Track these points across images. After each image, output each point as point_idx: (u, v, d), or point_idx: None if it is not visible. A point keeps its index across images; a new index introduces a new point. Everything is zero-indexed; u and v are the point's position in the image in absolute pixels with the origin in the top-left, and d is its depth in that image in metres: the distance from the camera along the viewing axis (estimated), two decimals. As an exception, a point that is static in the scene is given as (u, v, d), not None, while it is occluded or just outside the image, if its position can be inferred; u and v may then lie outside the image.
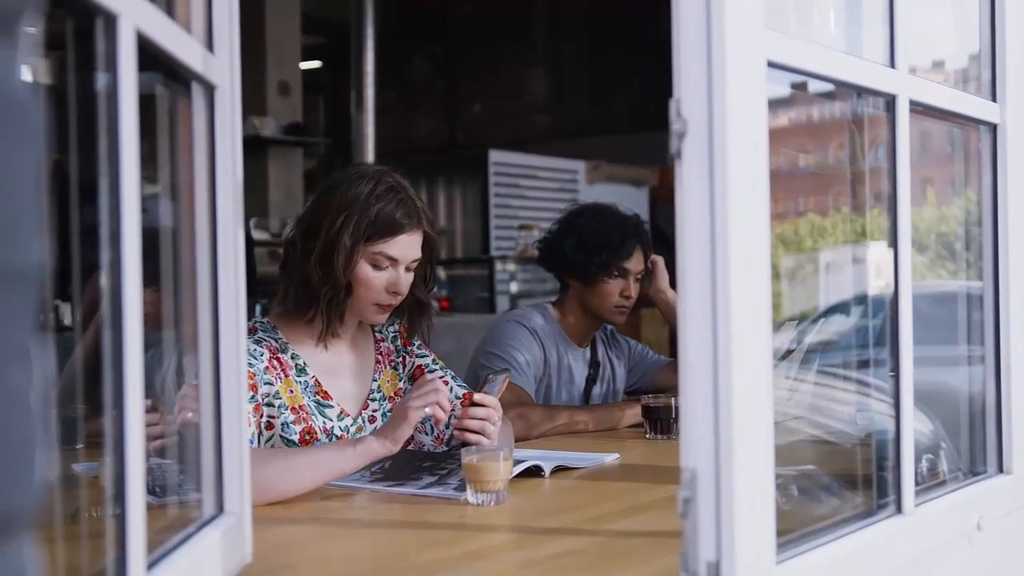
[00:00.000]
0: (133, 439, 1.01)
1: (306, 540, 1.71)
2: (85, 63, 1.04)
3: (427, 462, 2.13)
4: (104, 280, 1.02)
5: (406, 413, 1.96)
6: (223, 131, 1.37)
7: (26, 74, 0.61)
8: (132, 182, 1.02)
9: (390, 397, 2.35)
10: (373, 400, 2.32)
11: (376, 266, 2.18)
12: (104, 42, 1.00)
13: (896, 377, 1.52)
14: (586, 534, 1.68)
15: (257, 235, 6.73)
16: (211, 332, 1.37)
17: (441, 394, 1.99)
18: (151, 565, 1.10)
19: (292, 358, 2.22)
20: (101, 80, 1.02)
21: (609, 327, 3.19)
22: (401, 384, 2.37)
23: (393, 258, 2.19)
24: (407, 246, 2.20)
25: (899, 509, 1.51)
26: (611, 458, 2.34)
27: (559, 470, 2.17)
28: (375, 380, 2.34)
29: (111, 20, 0.99)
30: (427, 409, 1.97)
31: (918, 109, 1.58)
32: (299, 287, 2.20)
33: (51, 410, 0.62)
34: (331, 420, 2.21)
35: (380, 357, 2.37)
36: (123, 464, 1.01)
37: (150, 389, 1.07)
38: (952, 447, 1.89)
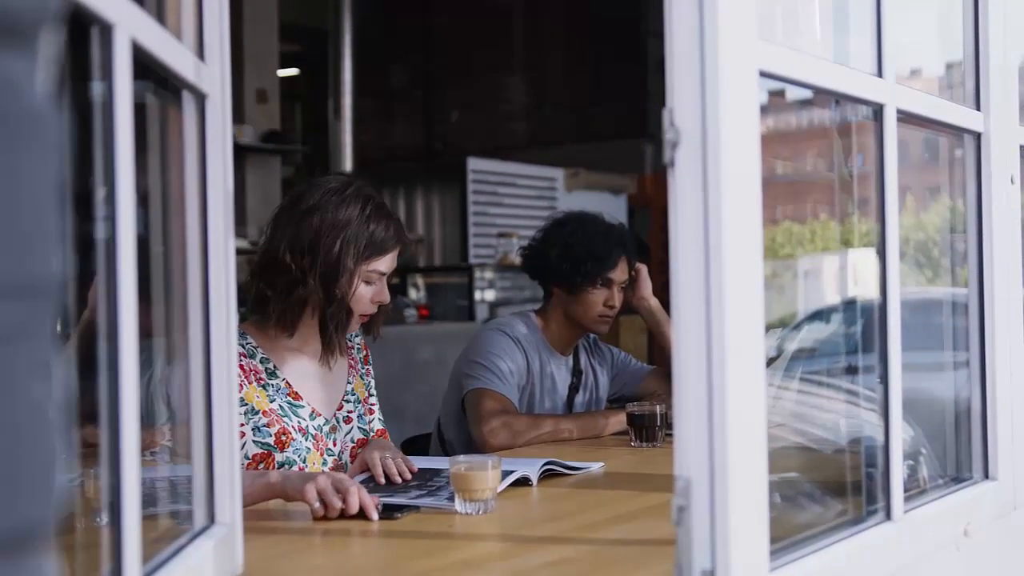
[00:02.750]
0: (128, 451, 1.01)
1: (297, 551, 1.70)
2: (78, 72, 1.03)
3: (415, 480, 2.12)
4: (99, 289, 1.01)
5: (304, 492, 1.84)
6: (214, 140, 1.36)
7: (45, 86, 0.61)
8: (127, 191, 1.01)
9: (363, 400, 2.44)
10: (348, 401, 2.40)
11: (368, 282, 2.27)
12: (99, 51, 0.99)
13: (884, 384, 1.53)
14: (577, 542, 1.68)
15: (235, 243, 6.69)
16: (202, 344, 1.36)
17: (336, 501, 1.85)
18: (145, 577, 1.09)
19: (262, 362, 2.26)
20: (95, 89, 1.01)
21: (592, 335, 3.19)
22: (366, 392, 2.47)
23: (383, 272, 2.29)
24: (393, 259, 2.31)
25: (888, 516, 1.52)
26: (597, 466, 2.34)
27: (548, 476, 2.17)
28: (349, 383, 2.41)
29: (107, 30, 0.99)
30: (316, 505, 1.82)
31: (904, 118, 1.59)
32: (296, 307, 2.24)
33: (69, 423, 0.62)
34: (304, 419, 2.26)
35: (352, 362, 2.45)
36: (119, 476, 1.00)
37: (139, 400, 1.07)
38: (931, 453, 1.90)
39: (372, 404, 2.50)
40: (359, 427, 2.40)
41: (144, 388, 1.45)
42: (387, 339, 2.55)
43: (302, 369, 2.32)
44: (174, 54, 1.20)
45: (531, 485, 2.11)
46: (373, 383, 2.52)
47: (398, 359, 5.52)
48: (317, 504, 1.82)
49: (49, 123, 0.60)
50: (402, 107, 10.31)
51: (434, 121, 10.14)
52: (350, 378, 2.42)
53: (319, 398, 2.33)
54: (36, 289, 0.58)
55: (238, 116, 7.28)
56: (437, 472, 2.18)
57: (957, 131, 1.84)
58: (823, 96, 1.60)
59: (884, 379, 1.53)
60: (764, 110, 1.51)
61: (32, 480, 0.57)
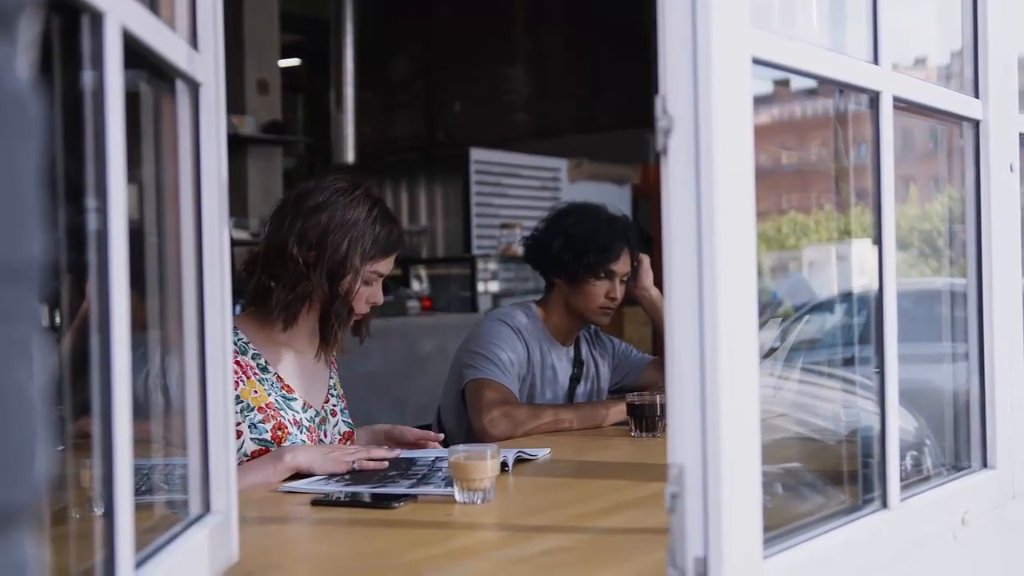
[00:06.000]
0: (121, 440, 1.01)
1: (293, 540, 1.71)
2: (69, 60, 1.03)
3: (392, 471, 2.12)
4: (89, 281, 1.01)
5: (337, 462, 2.11)
6: (208, 129, 1.36)
7: (25, 70, 0.61)
8: (119, 181, 1.01)
9: (342, 396, 2.49)
10: (332, 395, 2.45)
11: (367, 282, 2.31)
12: (90, 40, 0.99)
13: (881, 372, 1.53)
14: (574, 531, 1.68)
15: (236, 235, 6.71)
16: (196, 333, 1.36)
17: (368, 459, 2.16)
18: (138, 564, 1.09)
19: (253, 358, 2.29)
20: (86, 78, 1.01)
21: (593, 325, 3.19)
22: (341, 388, 2.53)
23: (382, 274, 2.34)
24: (392, 263, 2.36)
25: (884, 504, 1.52)
26: (544, 452, 2.37)
27: (519, 462, 2.22)
28: (331, 378, 2.47)
29: (97, 17, 0.99)
30: (355, 465, 2.12)
31: (901, 105, 1.59)
32: (299, 300, 2.27)
33: (51, 405, 0.62)
34: (297, 412, 2.31)
35: (333, 360, 2.49)
36: (111, 465, 1.00)
37: (134, 391, 1.07)
38: (936, 444, 1.90)
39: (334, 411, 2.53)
40: (343, 420, 2.46)
41: (143, 382, 1.46)
42: (389, 331, 2.57)
43: (291, 363, 2.36)
44: (166, 42, 1.20)
45: (507, 471, 2.12)
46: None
47: (400, 351, 5.53)
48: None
49: (29, 108, 0.60)
50: (404, 98, 10.31)
51: (436, 112, 10.14)
52: (332, 373, 2.47)
53: (308, 391, 2.37)
54: (16, 272, 0.59)
55: (239, 107, 7.28)
56: (413, 461, 2.19)
57: (956, 119, 1.84)
58: (827, 85, 1.59)
59: (880, 368, 1.53)
60: (769, 99, 1.51)
61: (11, 461, 0.58)
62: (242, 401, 2.21)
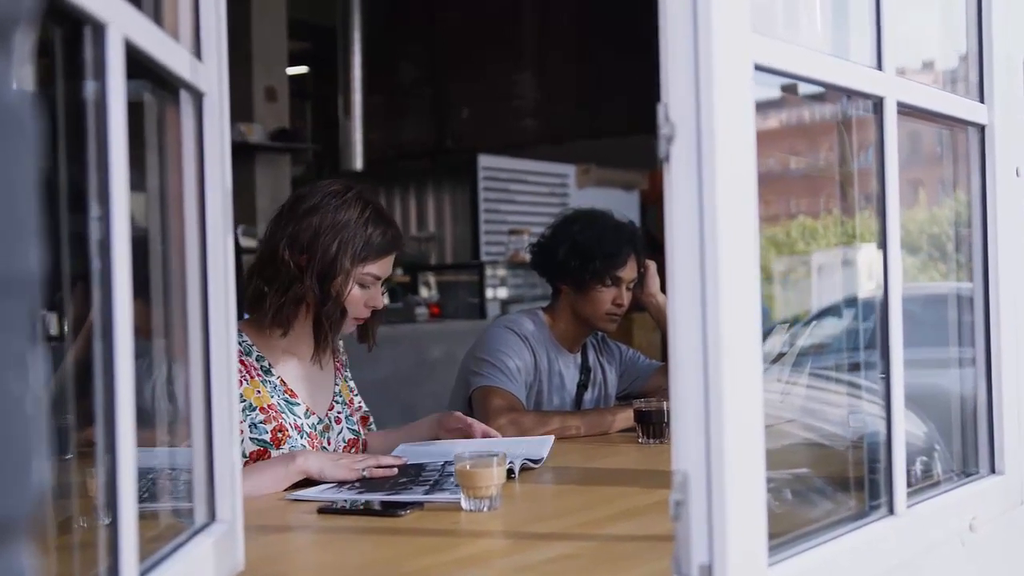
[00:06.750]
0: (125, 449, 1.01)
1: (299, 548, 1.71)
2: (72, 71, 1.03)
3: (403, 478, 2.12)
4: (94, 289, 1.01)
5: (347, 470, 2.10)
6: (212, 138, 1.36)
7: (22, 83, 0.61)
8: (121, 190, 1.02)
9: (348, 403, 2.48)
10: (337, 402, 2.44)
11: (362, 285, 2.31)
12: (92, 50, 1.00)
13: (887, 378, 1.53)
14: (580, 539, 1.68)
15: (245, 242, 6.71)
16: (201, 341, 1.36)
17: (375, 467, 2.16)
18: (143, 573, 1.09)
19: (257, 360, 2.30)
20: (89, 88, 1.02)
21: (600, 332, 3.19)
22: (351, 394, 2.51)
23: (379, 277, 2.33)
24: (388, 265, 2.35)
25: (891, 510, 1.51)
26: (548, 441, 2.40)
27: (525, 470, 2.21)
28: (336, 385, 2.46)
29: (99, 28, 0.99)
30: (364, 472, 2.12)
31: (906, 111, 1.58)
32: (292, 304, 2.27)
33: (47, 417, 0.62)
34: (299, 417, 2.31)
35: (339, 366, 2.50)
36: (115, 474, 1.00)
37: (140, 399, 1.07)
38: (945, 449, 1.89)
39: (359, 403, 2.53)
40: (348, 428, 2.45)
41: (150, 391, 1.46)
42: (398, 337, 2.57)
43: (294, 369, 2.36)
44: (169, 53, 1.21)
45: (514, 479, 2.11)
46: (353, 383, 2.56)
47: (409, 357, 5.53)
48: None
49: (26, 120, 0.61)
50: (412, 104, 10.29)
51: (445, 118, 10.13)
52: (337, 380, 2.47)
53: (312, 398, 2.37)
54: (12, 285, 0.59)
55: (247, 114, 7.28)
56: (422, 467, 2.19)
57: (961, 124, 1.83)
58: (831, 90, 1.59)
59: (886, 373, 1.53)
60: (777, 105, 1.50)
61: (7, 472, 0.58)
62: (244, 400, 2.22)
